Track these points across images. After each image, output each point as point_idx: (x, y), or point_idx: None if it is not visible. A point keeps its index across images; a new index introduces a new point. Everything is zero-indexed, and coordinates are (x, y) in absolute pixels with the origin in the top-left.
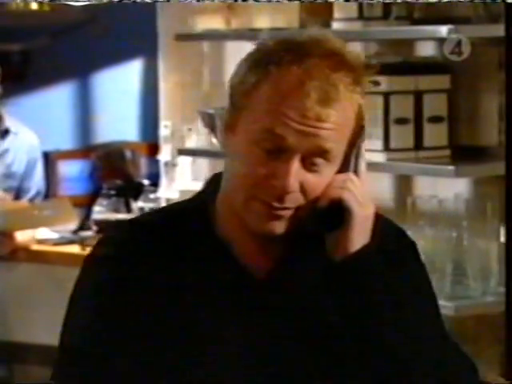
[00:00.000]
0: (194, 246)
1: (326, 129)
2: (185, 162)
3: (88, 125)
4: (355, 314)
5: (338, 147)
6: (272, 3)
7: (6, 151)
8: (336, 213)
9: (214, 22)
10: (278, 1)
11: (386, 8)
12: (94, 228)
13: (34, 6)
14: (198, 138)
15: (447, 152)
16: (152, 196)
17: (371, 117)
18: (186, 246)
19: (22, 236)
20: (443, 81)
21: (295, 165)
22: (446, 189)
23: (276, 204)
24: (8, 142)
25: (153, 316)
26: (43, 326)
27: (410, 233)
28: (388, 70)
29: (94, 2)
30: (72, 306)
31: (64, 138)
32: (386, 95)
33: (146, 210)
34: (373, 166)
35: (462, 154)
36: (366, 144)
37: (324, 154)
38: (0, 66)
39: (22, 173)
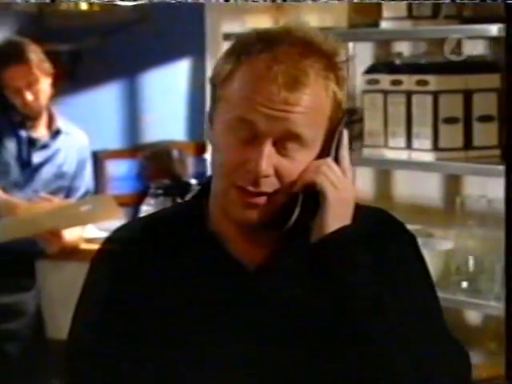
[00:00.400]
0: (188, 242)
1: (295, 112)
2: None
3: (136, 124)
4: (331, 296)
5: (310, 132)
6: (320, 2)
7: (57, 151)
8: (311, 197)
9: (262, 22)
10: (326, 1)
11: (436, 7)
12: None
13: (84, 6)
14: None
15: (497, 152)
16: None
17: (420, 116)
18: (182, 243)
19: (70, 235)
20: (493, 80)
21: (267, 148)
22: (496, 189)
23: (251, 189)
24: (59, 141)
25: (153, 310)
26: None
27: (458, 233)
28: (437, 69)
29: (142, 2)
30: (78, 302)
31: (112, 138)
32: (435, 94)
33: None
34: (422, 166)
35: None
36: (415, 143)
37: (295, 138)
38: (51, 66)
39: (73, 172)
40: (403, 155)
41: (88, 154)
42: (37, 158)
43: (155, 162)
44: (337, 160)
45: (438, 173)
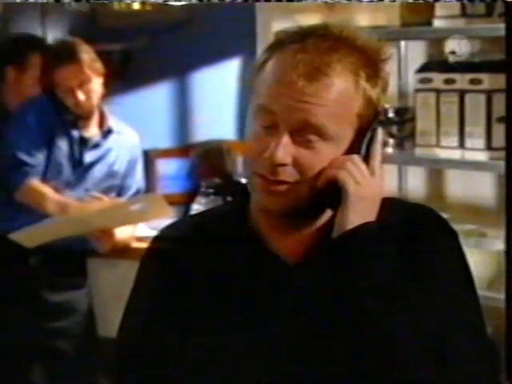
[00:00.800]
0: (232, 239)
1: (314, 104)
2: None
3: (186, 123)
4: (349, 292)
5: (332, 126)
6: (373, 3)
7: (108, 150)
8: (333, 193)
9: (313, 20)
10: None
11: (490, 5)
12: None
13: (136, 6)
14: None
15: None
16: None
17: (473, 115)
18: (226, 239)
19: (121, 233)
20: None
21: (285, 138)
22: None
23: (270, 177)
24: (111, 141)
25: (200, 306)
26: None
27: None
28: (491, 67)
29: (193, 2)
30: (128, 300)
31: (162, 137)
32: (489, 93)
33: None
34: (475, 165)
35: None
36: (468, 143)
37: (316, 130)
38: (102, 66)
39: (124, 171)
40: (456, 155)
41: (139, 153)
42: (88, 157)
43: (207, 161)
44: (367, 158)
45: (491, 172)
